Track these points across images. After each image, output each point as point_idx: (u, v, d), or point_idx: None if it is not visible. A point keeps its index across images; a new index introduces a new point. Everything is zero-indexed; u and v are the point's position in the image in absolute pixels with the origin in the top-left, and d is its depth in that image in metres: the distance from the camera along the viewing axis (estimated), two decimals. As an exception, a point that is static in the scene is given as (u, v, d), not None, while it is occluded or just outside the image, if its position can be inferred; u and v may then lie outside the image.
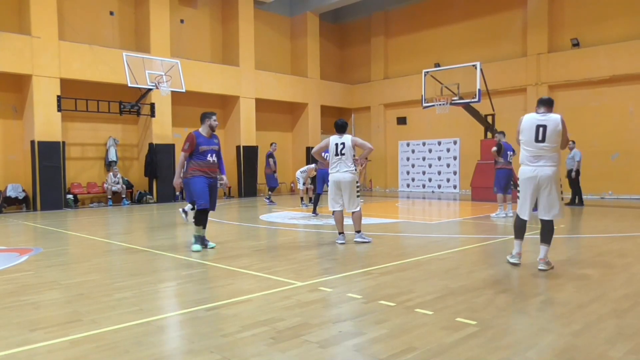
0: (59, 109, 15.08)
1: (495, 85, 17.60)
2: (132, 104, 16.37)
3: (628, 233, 8.58)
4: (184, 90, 16.49)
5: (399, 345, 3.36)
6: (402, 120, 22.12)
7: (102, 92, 16.24)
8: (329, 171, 7.81)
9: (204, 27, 19.81)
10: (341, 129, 7.75)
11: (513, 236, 6.04)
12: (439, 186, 21.19)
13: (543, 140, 5.53)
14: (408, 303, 4.36)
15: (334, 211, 7.86)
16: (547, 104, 5.71)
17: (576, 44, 17.20)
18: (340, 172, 7.60)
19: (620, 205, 13.95)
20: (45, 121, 14.86)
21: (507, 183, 11.36)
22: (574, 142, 13.62)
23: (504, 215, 11.16)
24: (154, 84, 15.72)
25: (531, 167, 5.62)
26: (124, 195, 16.56)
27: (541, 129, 5.53)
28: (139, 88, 15.76)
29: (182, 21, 18.96)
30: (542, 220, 5.77)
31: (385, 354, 3.23)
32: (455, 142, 20.59)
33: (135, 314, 4.17)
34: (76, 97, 15.49)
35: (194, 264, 6.37)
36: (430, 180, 21.53)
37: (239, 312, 4.20)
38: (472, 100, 15.63)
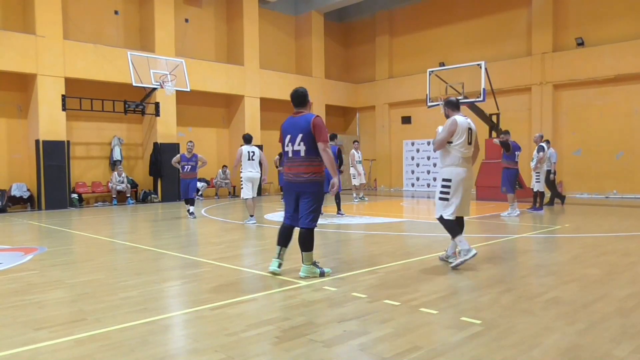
0: (64, 108, 15.13)
1: (500, 84, 17.56)
2: (136, 103, 16.41)
3: (632, 232, 8.54)
4: (188, 90, 16.52)
5: (404, 345, 3.36)
6: (406, 120, 22.10)
7: (107, 92, 16.29)
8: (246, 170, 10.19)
9: (209, 26, 19.84)
10: (249, 141, 10.28)
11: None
12: (444, 185, 21.10)
13: (471, 143, 5.81)
14: (413, 302, 4.35)
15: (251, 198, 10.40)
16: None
17: (581, 43, 17.12)
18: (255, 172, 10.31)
19: (625, 205, 13.88)
20: (50, 120, 14.92)
21: (515, 182, 11.40)
22: (548, 142, 13.14)
23: (517, 214, 11.14)
24: (158, 83, 15.76)
25: (464, 169, 5.76)
26: (128, 195, 16.61)
27: (471, 133, 5.81)
28: (144, 87, 15.81)
29: (186, 20, 18.99)
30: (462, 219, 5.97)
31: (389, 353, 3.23)
32: (459, 142, 20.50)
33: (140, 313, 4.18)
34: (81, 96, 15.55)
35: (198, 263, 6.38)
36: (435, 179, 21.47)
37: (243, 311, 4.20)
38: (477, 99, 15.59)
